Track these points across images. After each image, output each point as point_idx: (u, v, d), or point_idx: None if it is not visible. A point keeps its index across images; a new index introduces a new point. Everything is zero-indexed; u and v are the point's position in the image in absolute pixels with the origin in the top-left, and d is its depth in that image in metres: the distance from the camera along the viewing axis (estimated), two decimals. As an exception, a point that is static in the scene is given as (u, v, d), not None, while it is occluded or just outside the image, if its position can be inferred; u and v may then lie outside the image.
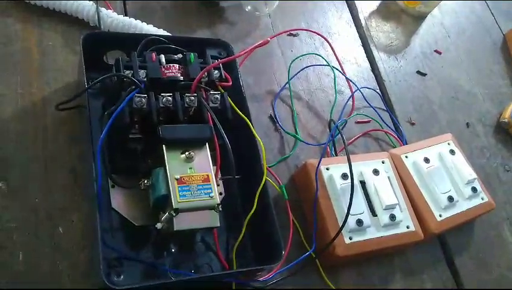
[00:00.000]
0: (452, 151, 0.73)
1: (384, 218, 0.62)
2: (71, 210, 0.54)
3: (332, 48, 0.79)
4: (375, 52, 0.88)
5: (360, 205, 0.62)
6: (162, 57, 0.56)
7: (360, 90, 0.78)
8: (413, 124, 0.82)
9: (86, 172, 0.55)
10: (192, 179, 0.50)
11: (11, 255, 0.50)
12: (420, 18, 0.99)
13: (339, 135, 0.65)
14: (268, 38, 0.62)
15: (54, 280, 0.50)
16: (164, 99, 0.53)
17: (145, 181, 0.52)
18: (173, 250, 0.55)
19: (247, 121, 0.58)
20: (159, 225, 0.50)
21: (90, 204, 0.53)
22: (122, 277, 0.51)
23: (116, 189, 0.55)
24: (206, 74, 0.57)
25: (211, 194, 0.50)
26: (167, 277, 0.52)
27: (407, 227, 0.63)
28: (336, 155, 0.69)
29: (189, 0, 0.77)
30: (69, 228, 0.53)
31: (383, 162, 0.67)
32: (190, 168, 0.51)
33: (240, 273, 0.54)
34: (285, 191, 0.63)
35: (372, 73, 0.86)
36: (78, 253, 0.52)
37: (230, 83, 0.59)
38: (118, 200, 0.55)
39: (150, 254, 0.54)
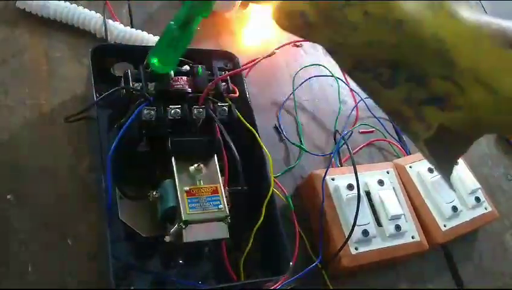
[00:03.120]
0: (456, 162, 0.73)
1: (389, 228, 0.62)
2: (80, 221, 0.54)
3: (335, 59, 0.80)
4: (377, 62, 0.89)
5: (365, 215, 0.62)
6: (170, 69, 0.56)
7: (363, 101, 0.79)
8: (416, 133, 0.83)
9: (95, 184, 0.56)
10: (201, 191, 0.51)
11: (20, 267, 0.50)
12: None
13: (343, 145, 0.66)
14: (275, 50, 0.63)
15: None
16: (173, 111, 0.54)
17: (154, 193, 0.53)
18: (181, 261, 0.55)
19: (255, 132, 0.58)
20: (167, 238, 0.51)
21: (99, 216, 0.53)
22: (132, 288, 0.51)
23: (123, 200, 0.55)
24: (213, 86, 0.57)
25: (219, 206, 0.51)
26: (175, 288, 0.53)
27: (412, 237, 0.64)
28: (341, 165, 0.70)
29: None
30: (78, 240, 0.53)
31: (387, 173, 0.68)
32: (199, 180, 0.52)
33: (247, 284, 0.54)
34: (291, 202, 0.63)
35: (375, 83, 0.86)
36: (87, 264, 0.52)
37: (237, 95, 0.60)
38: (126, 211, 0.55)
39: (157, 265, 0.54)
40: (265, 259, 0.58)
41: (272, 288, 0.55)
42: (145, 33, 0.68)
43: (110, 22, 0.67)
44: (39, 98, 0.61)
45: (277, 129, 0.72)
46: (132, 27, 0.69)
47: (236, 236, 0.58)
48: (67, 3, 0.66)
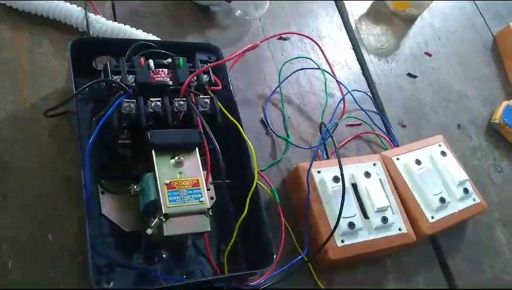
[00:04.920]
0: (443, 153, 0.73)
1: (376, 220, 0.62)
2: (62, 217, 0.53)
3: (322, 51, 0.79)
4: (365, 55, 0.89)
5: (351, 207, 0.61)
6: (151, 62, 0.56)
7: (350, 93, 0.78)
8: (404, 126, 0.82)
9: (77, 179, 0.55)
10: (182, 183, 0.50)
11: (1, 264, 0.49)
12: (410, 20, 0.99)
13: (330, 138, 0.65)
14: (258, 42, 0.63)
15: (45, 287, 0.50)
16: (153, 104, 0.53)
17: (135, 187, 0.52)
18: (164, 256, 0.54)
19: (238, 124, 0.58)
20: (149, 231, 0.50)
21: (80, 211, 0.52)
22: (112, 283, 0.50)
23: (106, 195, 0.55)
24: (195, 78, 0.57)
25: (200, 199, 0.50)
26: (158, 283, 0.52)
27: (399, 229, 0.63)
28: (328, 158, 0.69)
29: (179, 6, 0.77)
30: (59, 235, 0.52)
31: (374, 165, 0.67)
32: (180, 173, 0.51)
33: (231, 277, 0.54)
34: (277, 195, 0.63)
35: (363, 76, 0.86)
36: (68, 260, 0.52)
37: (220, 87, 0.59)
38: (108, 206, 0.55)
39: (141, 260, 0.54)
40: (250, 252, 0.57)
41: (257, 281, 0.55)
42: (127, 27, 0.67)
43: (92, 15, 0.66)
44: (21, 93, 0.60)
45: (263, 122, 0.72)
46: (115, 21, 0.68)
47: (220, 229, 0.57)
48: (49, -3, 0.65)
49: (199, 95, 0.56)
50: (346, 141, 0.75)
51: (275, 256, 0.53)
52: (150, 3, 0.76)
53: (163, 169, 0.51)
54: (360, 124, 0.78)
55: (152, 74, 0.55)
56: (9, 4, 0.65)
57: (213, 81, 0.58)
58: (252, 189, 0.56)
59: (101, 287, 0.49)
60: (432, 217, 0.66)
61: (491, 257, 0.74)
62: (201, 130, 0.54)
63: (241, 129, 0.58)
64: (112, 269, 0.52)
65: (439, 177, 0.70)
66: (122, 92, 0.52)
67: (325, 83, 0.78)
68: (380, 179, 0.66)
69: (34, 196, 0.54)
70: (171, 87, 0.55)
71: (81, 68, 0.56)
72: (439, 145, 0.74)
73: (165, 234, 0.49)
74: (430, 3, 0.98)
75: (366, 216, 0.62)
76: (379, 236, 0.62)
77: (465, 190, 0.70)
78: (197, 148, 0.53)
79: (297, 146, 0.71)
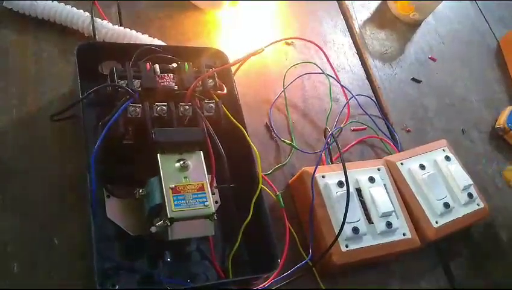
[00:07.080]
0: (447, 158, 0.73)
1: (380, 225, 0.62)
2: (67, 221, 0.54)
3: (326, 56, 0.80)
4: (370, 60, 0.89)
5: (356, 212, 0.62)
6: (157, 67, 0.56)
7: (355, 98, 0.79)
8: (408, 131, 0.82)
9: (82, 182, 0.55)
10: (187, 188, 0.50)
11: (6, 266, 0.50)
12: (414, 25, 0.99)
13: (335, 142, 0.65)
14: (263, 47, 0.63)
15: (50, 290, 0.50)
16: (158, 108, 0.54)
17: (140, 191, 0.52)
18: (169, 259, 0.54)
19: (242, 129, 0.58)
20: (153, 229, 0.50)
21: (85, 214, 0.52)
22: (117, 286, 0.51)
23: (111, 199, 0.55)
24: (200, 83, 0.57)
25: (205, 203, 0.50)
26: (163, 287, 0.52)
27: (404, 234, 0.63)
28: (332, 163, 0.69)
29: (184, 10, 0.78)
30: (64, 239, 0.53)
31: (378, 170, 0.68)
32: (185, 177, 0.51)
33: (235, 282, 0.54)
34: (281, 200, 0.63)
35: (367, 80, 0.86)
36: (73, 263, 0.52)
37: (225, 92, 0.59)
38: (113, 210, 0.55)
39: (145, 263, 0.54)
40: (254, 257, 0.57)
41: (262, 286, 0.55)
42: (133, 31, 0.67)
43: (98, 20, 0.66)
44: (26, 97, 0.60)
45: (268, 127, 0.72)
46: (121, 25, 0.69)
47: (225, 233, 0.58)
48: (55, 2, 0.66)
49: (204, 100, 0.56)
50: (350, 145, 0.75)
51: (279, 260, 0.53)
52: (156, 8, 0.76)
53: (169, 173, 0.51)
54: (364, 129, 0.78)
55: (158, 79, 0.55)
56: (15, 8, 0.65)
57: (218, 85, 0.58)
58: (257, 193, 0.56)
59: (106, 290, 0.50)
60: (436, 222, 0.66)
61: (494, 262, 0.74)
62: (205, 129, 0.54)
63: (246, 133, 0.58)
64: (117, 272, 0.52)
65: (444, 182, 0.70)
66: (128, 97, 0.52)
67: (330, 87, 0.78)
68: (384, 184, 0.66)
69: (40, 199, 0.54)
70: (176, 92, 0.55)
71: (87, 72, 0.57)
72: (443, 150, 0.74)
73: (170, 239, 0.49)
74: (433, 7, 0.99)
75: (370, 221, 0.63)
76: (383, 241, 0.62)
77: (470, 195, 0.70)
78: (201, 153, 0.54)
79: (301, 151, 0.71)
